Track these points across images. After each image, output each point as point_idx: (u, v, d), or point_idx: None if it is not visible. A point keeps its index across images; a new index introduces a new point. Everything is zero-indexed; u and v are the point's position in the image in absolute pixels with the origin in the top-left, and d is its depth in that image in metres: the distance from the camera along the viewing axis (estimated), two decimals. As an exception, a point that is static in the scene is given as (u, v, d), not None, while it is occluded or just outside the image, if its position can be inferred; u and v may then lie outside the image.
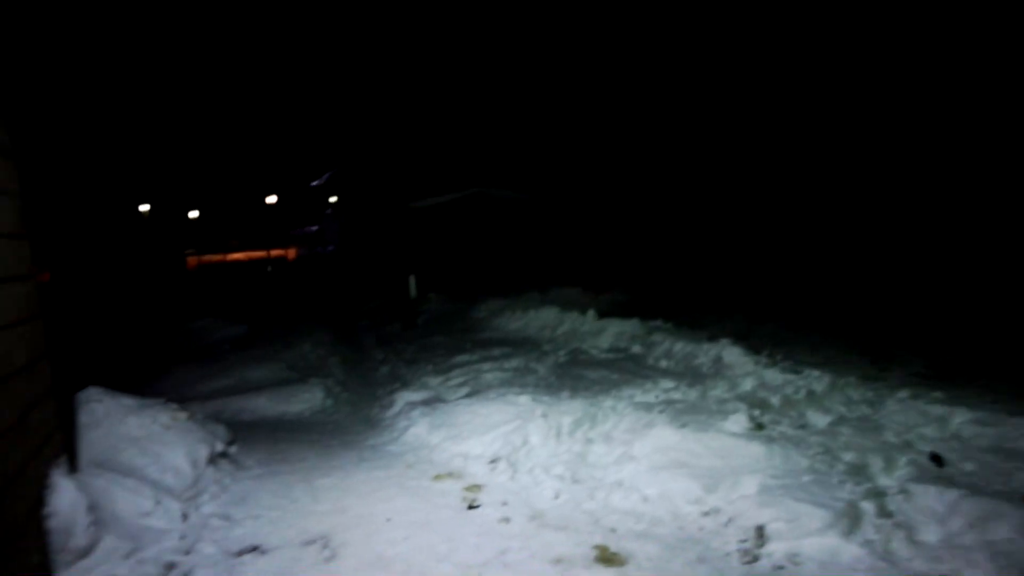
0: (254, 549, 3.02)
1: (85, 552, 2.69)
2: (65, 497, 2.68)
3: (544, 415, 4.43)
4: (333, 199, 34.36)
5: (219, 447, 4.11)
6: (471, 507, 3.48)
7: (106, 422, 3.64)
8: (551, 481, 3.75)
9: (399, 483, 3.83)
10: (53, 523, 2.61)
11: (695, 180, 16.38)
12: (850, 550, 2.67)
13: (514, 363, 6.72)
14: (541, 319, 9.06)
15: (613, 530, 3.14)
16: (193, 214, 38.26)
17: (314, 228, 40.16)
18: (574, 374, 6.15)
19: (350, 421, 5.63)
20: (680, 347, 6.76)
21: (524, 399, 4.84)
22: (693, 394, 5.15)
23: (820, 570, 2.60)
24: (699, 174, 16.31)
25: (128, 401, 3.92)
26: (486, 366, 6.63)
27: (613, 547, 2.96)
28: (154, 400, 4.23)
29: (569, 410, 4.51)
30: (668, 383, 5.46)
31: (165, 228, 27.88)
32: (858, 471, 3.40)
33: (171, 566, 2.82)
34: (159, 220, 27.45)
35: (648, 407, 4.62)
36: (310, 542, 3.08)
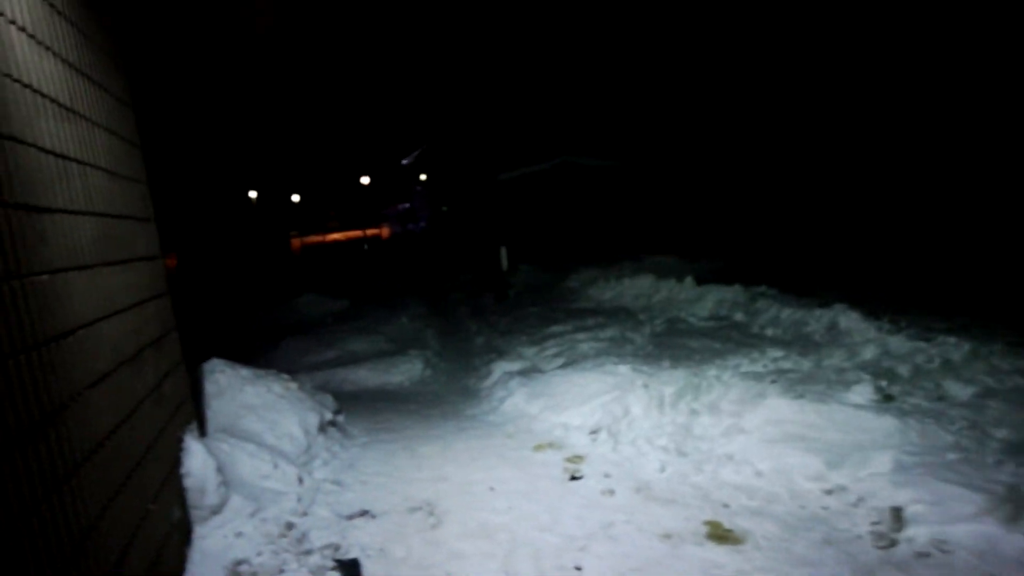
0: (364, 513, 3.14)
1: (217, 509, 2.90)
2: (198, 459, 2.89)
3: (645, 385, 4.27)
4: (423, 176, 35.14)
5: (328, 416, 4.31)
6: (573, 478, 3.42)
7: (228, 391, 3.91)
8: (655, 453, 3.61)
9: (499, 453, 3.84)
10: (188, 483, 2.83)
11: (789, 144, 15.14)
12: (1015, 541, 2.32)
13: (609, 333, 6.57)
14: (636, 287, 8.80)
15: (725, 506, 2.97)
16: (295, 198, 40.62)
17: (405, 205, 41.34)
18: (673, 343, 5.90)
19: (448, 391, 5.74)
20: (788, 314, 6.33)
21: (623, 369, 4.70)
22: (806, 363, 4.80)
23: (977, 560, 2.29)
24: (794, 137, 15.05)
25: (245, 372, 4.19)
26: (581, 336, 6.52)
27: (726, 524, 2.79)
28: (267, 371, 4.50)
29: (671, 380, 4.32)
30: (776, 352, 5.13)
31: (271, 212, 29.80)
32: (1017, 450, 2.98)
33: (290, 526, 2.98)
34: (266, 205, 29.37)
35: (757, 377, 4.33)
36: (416, 508, 3.15)
